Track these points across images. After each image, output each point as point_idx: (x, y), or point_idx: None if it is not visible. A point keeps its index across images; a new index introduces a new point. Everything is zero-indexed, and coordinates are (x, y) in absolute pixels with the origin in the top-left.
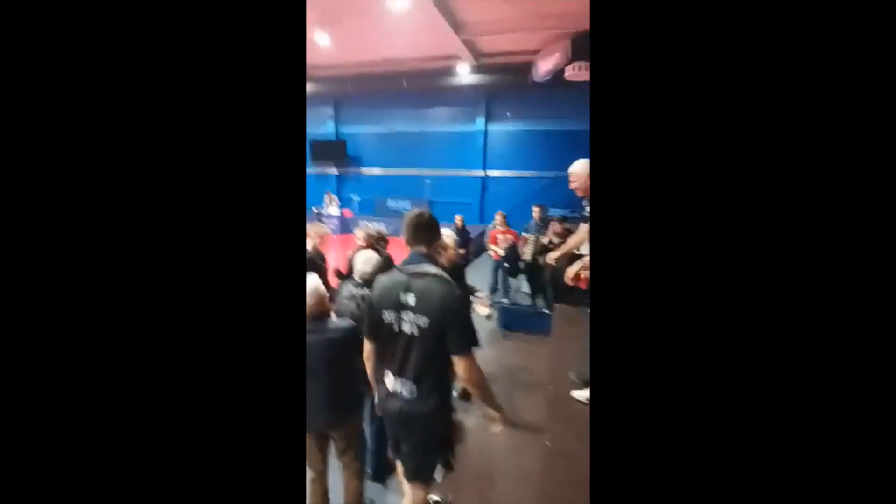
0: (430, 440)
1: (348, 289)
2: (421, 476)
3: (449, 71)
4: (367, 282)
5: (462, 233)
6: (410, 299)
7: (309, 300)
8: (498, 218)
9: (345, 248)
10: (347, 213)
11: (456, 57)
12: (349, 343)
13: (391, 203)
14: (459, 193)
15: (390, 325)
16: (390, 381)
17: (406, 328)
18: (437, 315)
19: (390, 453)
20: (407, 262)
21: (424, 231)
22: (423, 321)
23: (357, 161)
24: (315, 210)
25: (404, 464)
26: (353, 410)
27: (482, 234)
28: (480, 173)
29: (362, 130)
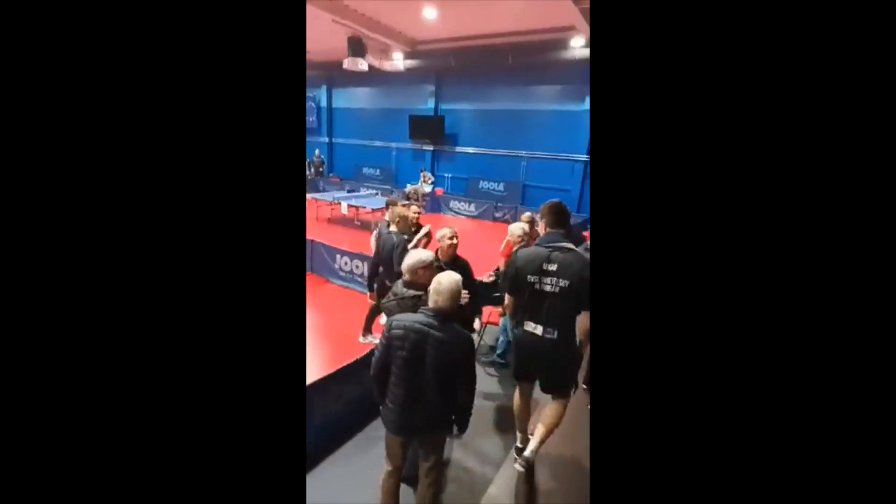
0: (563, 365)
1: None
2: (559, 389)
3: (560, 44)
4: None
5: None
6: (552, 267)
7: (448, 297)
8: None
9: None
10: (439, 191)
11: (571, 28)
12: (467, 352)
13: (483, 184)
14: (558, 179)
15: (533, 284)
16: (531, 325)
17: (547, 288)
18: (576, 280)
19: (520, 373)
20: (546, 241)
21: (561, 216)
22: (564, 283)
23: (454, 139)
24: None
25: (539, 379)
26: (447, 422)
27: (582, 225)
28: (584, 158)
29: (462, 107)
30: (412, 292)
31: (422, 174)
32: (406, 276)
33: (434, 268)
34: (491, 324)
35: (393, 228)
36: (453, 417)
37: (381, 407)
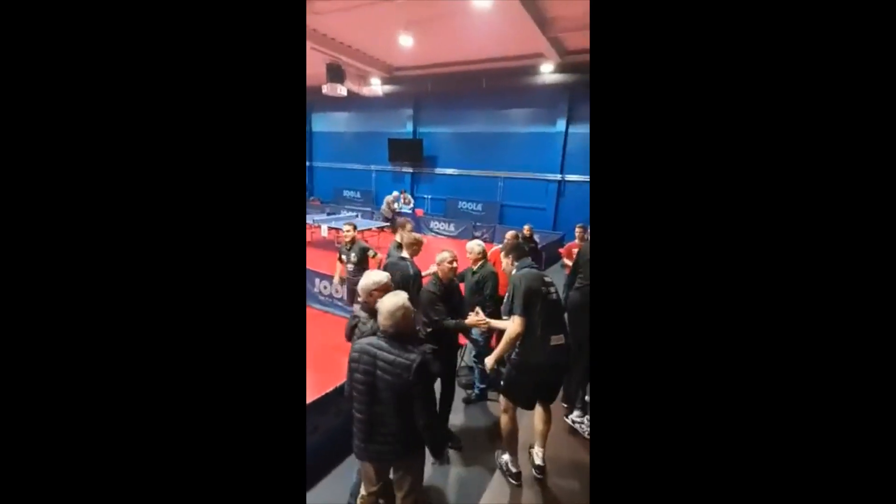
0: (572, 368)
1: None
2: (559, 394)
3: (531, 70)
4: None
5: (530, 241)
6: (548, 279)
7: (398, 317)
8: (578, 232)
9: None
10: (419, 212)
11: (540, 56)
12: (419, 373)
13: (462, 204)
14: (534, 198)
15: (546, 295)
16: (555, 338)
17: (553, 297)
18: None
19: (539, 394)
20: (526, 265)
21: (522, 248)
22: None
23: (433, 161)
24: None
25: (552, 391)
26: (414, 448)
27: (558, 242)
28: (557, 177)
29: (440, 130)
30: (364, 315)
31: (402, 196)
32: (361, 298)
33: (399, 289)
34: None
35: (405, 254)
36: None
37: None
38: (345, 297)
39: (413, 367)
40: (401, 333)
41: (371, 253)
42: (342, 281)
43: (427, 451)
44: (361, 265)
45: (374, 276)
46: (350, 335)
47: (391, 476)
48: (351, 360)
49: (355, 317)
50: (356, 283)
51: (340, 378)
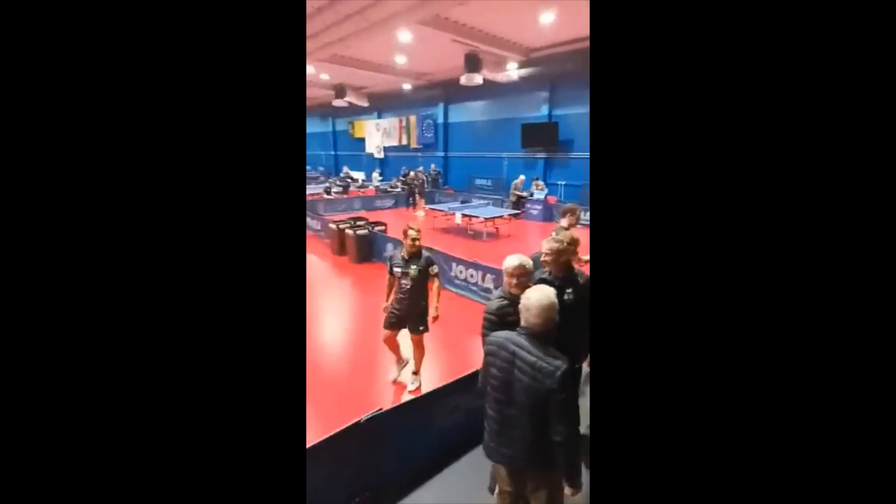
0: None
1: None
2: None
3: None
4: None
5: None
6: None
7: (547, 316)
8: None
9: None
10: (552, 199)
11: None
12: (561, 382)
13: None
14: None
15: None
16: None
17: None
18: None
19: None
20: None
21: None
22: None
23: (568, 145)
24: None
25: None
26: (551, 459)
27: None
28: None
29: (577, 111)
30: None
31: (534, 182)
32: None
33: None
34: None
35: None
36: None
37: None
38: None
39: (557, 375)
40: (546, 334)
41: (434, 270)
42: (386, 310)
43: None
44: (421, 284)
45: (516, 259)
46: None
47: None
48: (487, 353)
49: (504, 299)
50: (406, 308)
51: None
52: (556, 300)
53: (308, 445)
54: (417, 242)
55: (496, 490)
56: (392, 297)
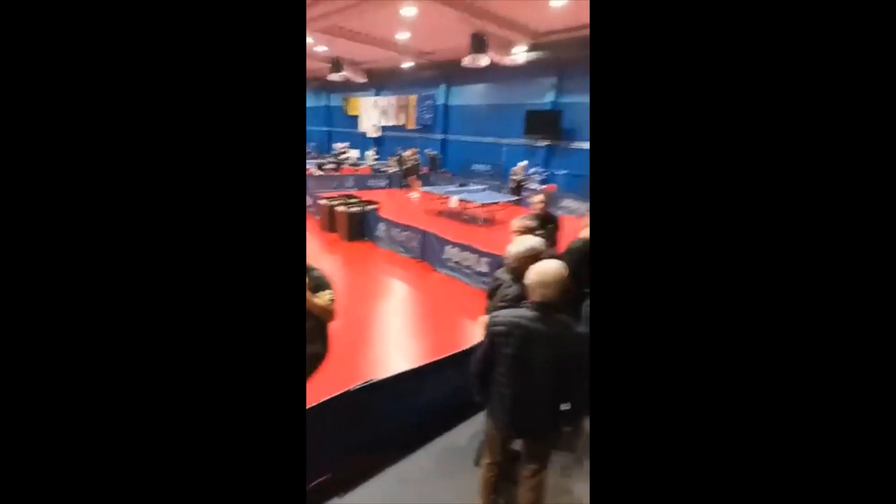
0: None
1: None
2: None
3: None
4: (516, 274)
5: None
6: None
7: (560, 286)
8: None
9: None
10: (552, 187)
11: None
12: (580, 345)
13: None
14: None
15: None
16: None
17: None
18: None
19: None
20: None
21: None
22: None
23: (571, 134)
24: (514, 179)
25: None
26: (558, 427)
27: None
28: None
29: (584, 100)
30: (508, 279)
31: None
32: (509, 263)
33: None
34: None
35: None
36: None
37: (486, 404)
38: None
39: (577, 339)
40: (557, 304)
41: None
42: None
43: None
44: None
45: (528, 242)
46: (491, 296)
47: (515, 448)
48: (497, 335)
49: (497, 279)
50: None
51: (464, 343)
52: (566, 271)
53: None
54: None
55: (482, 462)
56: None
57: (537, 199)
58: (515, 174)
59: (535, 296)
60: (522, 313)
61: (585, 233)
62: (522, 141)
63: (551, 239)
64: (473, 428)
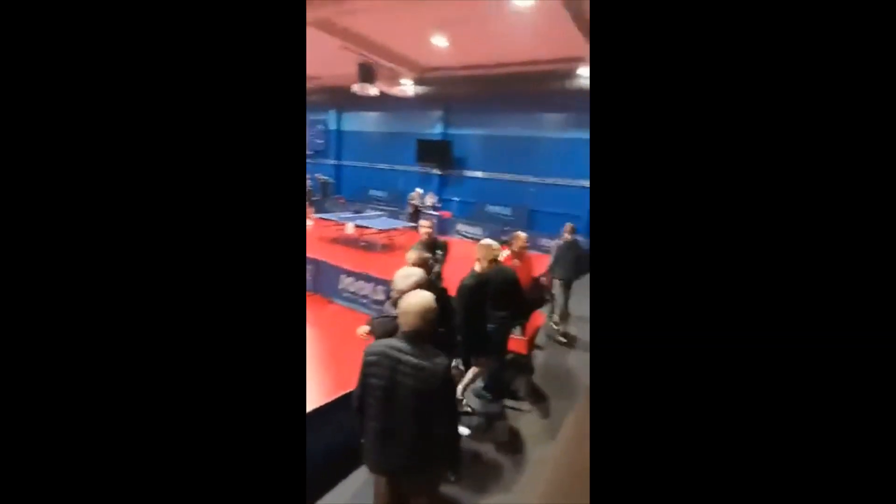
0: None
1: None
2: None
3: (568, 74)
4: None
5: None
6: None
7: (429, 318)
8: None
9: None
10: (447, 214)
11: (578, 59)
12: (444, 379)
13: (491, 208)
14: (567, 204)
15: None
16: None
17: None
18: None
19: None
20: None
21: None
22: None
23: (461, 163)
24: (412, 203)
25: None
26: (432, 461)
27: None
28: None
29: (470, 132)
30: (394, 312)
31: (427, 196)
32: (394, 295)
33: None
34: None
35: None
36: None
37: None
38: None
39: (442, 374)
40: (426, 335)
41: None
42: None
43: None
44: None
45: (412, 277)
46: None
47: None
48: (367, 364)
49: (382, 313)
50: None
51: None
52: (434, 303)
53: None
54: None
55: None
56: None
57: (425, 226)
58: (413, 199)
59: (405, 325)
60: (392, 343)
61: (477, 267)
62: (417, 168)
63: (440, 263)
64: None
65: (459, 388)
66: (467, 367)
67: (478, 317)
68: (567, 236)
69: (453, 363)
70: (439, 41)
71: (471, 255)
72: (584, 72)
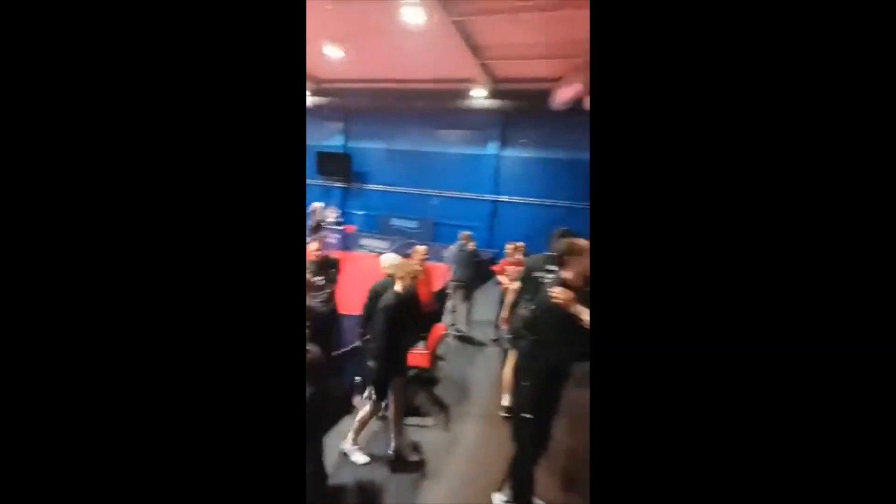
0: None
1: None
2: None
3: (463, 94)
4: None
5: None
6: None
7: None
8: (509, 249)
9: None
10: (350, 228)
11: (471, 80)
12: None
13: (395, 221)
14: (467, 217)
15: None
16: None
17: None
18: None
19: None
20: None
21: None
22: None
23: (363, 177)
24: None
25: None
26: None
27: (490, 261)
28: (490, 197)
29: (371, 146)
30: None
31: (327, 210)
32: None
33: None
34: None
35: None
36: None
37: None
38: None
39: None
40: None
41: None
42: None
43: None
44: None
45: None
46: None
47: None
48: None
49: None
50: None
51: None
52: None
53: None
54: None
55: None
56: None
57: (313, 247)
58: (314, 213)
59: None
60: None
61: (398, 286)
62: (318, 182)
63: (333, 281)
64: None
65: (351, 434)
66: (381, 396)
67: (400, 338)
68: (462, 242)
69: (365, 393)
70: (332, 52)
71: (374, 269)
72: (476, 92)
